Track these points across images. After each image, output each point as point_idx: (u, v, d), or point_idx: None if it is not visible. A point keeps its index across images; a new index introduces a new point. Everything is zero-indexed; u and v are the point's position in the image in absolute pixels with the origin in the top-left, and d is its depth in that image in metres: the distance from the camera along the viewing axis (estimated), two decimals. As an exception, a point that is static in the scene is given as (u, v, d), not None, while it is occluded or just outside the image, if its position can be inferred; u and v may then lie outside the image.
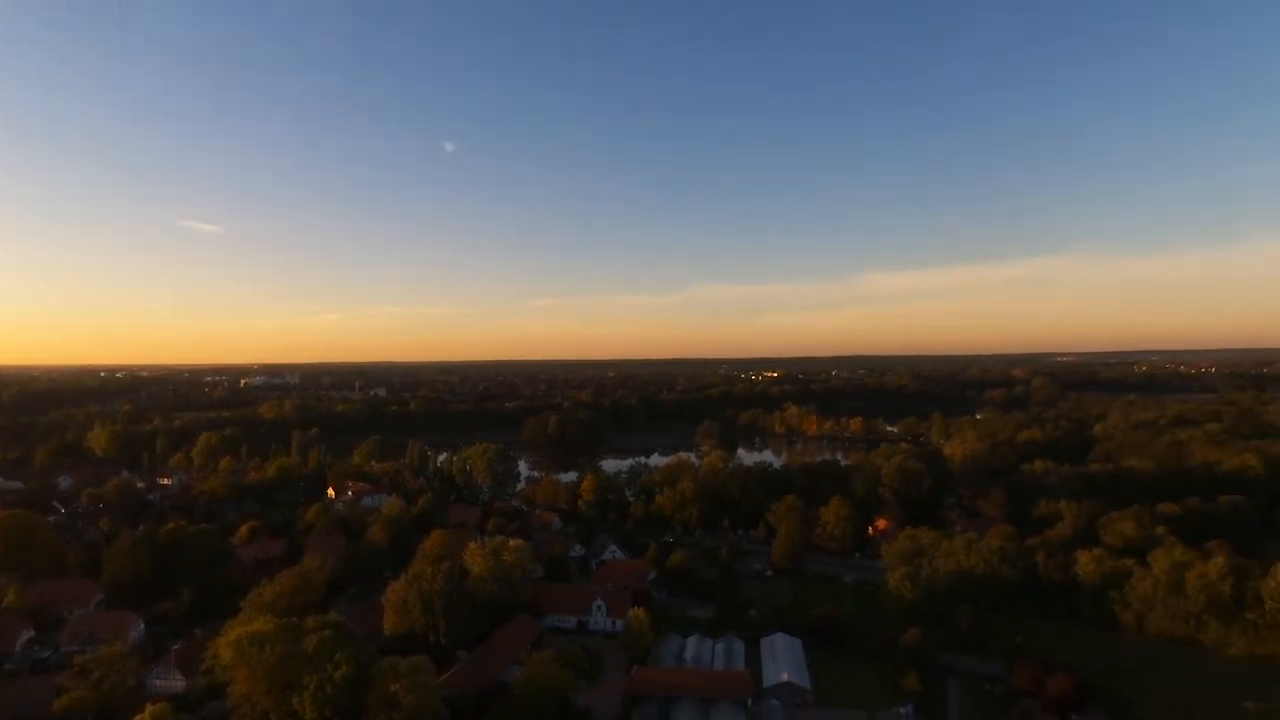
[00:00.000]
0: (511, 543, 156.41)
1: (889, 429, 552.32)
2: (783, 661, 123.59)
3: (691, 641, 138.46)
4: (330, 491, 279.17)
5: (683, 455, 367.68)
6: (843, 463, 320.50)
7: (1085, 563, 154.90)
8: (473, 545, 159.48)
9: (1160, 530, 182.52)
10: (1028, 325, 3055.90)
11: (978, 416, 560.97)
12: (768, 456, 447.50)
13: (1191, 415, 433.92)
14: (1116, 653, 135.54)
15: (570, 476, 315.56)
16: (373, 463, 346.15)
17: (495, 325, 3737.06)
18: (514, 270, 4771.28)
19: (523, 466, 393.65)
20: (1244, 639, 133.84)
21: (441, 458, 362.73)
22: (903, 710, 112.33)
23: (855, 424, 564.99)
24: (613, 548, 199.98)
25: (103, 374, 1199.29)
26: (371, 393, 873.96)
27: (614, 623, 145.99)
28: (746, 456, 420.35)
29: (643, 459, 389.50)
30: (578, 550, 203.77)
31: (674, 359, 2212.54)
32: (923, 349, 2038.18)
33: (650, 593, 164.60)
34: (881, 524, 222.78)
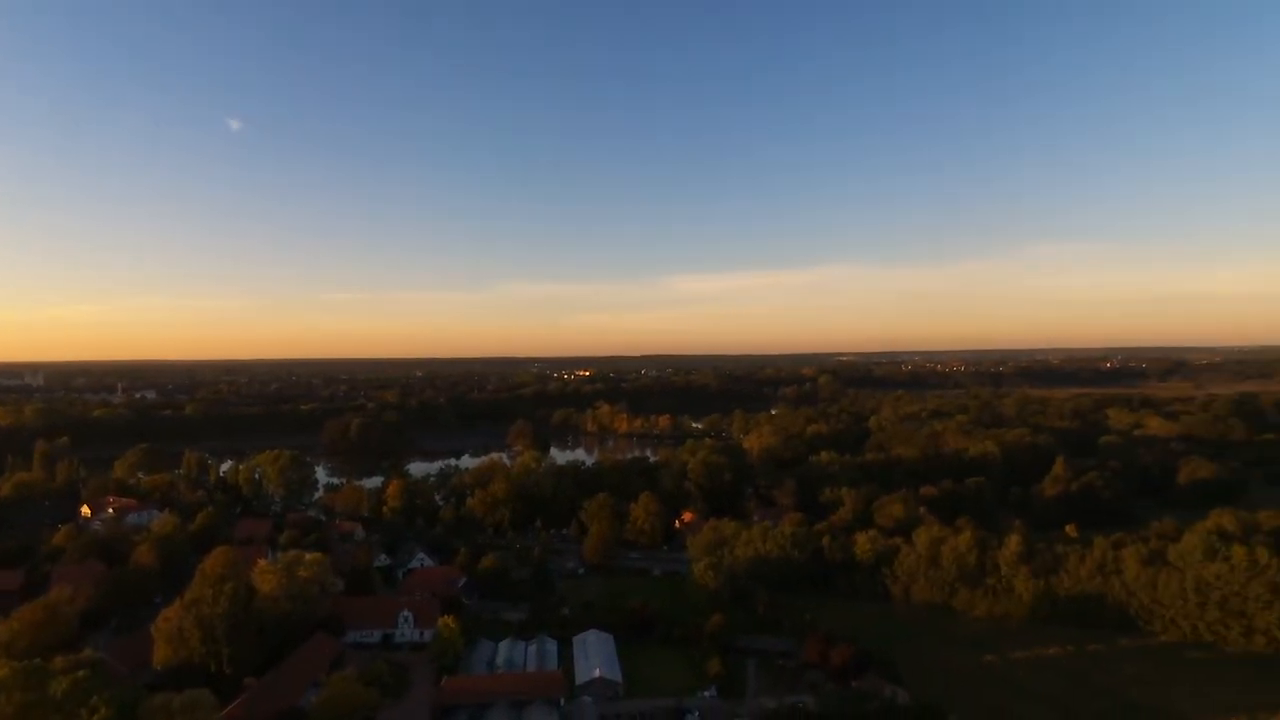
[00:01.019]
0: (308, 556, 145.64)
1: (695, 425, 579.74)
2: (595, 657, 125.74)
3: (504, 645, 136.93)
4: (85, 510, 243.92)
5: (495, 456, 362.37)
6: (652, 459, 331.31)
7: (862, 543, 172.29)
8: (263, 562, 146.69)
9: (922, 510, 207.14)
10: (815, 327, 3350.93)
11: (773, 412, 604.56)
12: (580, 455, 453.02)
13: (945, 408, 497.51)
14: (889, 621, 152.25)
15: (375, 482, 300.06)
16: (139, 475, 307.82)
17: (287, 320, 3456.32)
18: (309, 261, 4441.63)
19: (321, 473, 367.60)
20: (985, 601, 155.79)
21: (225, 467, 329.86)
22: (707, 694, 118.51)
23: (664, 421, 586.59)
24: (421, 555, 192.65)
25: None
26: (138, 395, 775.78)
27: (422, 633, 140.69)
28: (559, 455, 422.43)
29: (453, 461, 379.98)
30: (383, 559, 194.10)
31: (485, 358, 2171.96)
32: (725, 349, 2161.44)
33: (460, 599, 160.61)
34: (688, 517, 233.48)
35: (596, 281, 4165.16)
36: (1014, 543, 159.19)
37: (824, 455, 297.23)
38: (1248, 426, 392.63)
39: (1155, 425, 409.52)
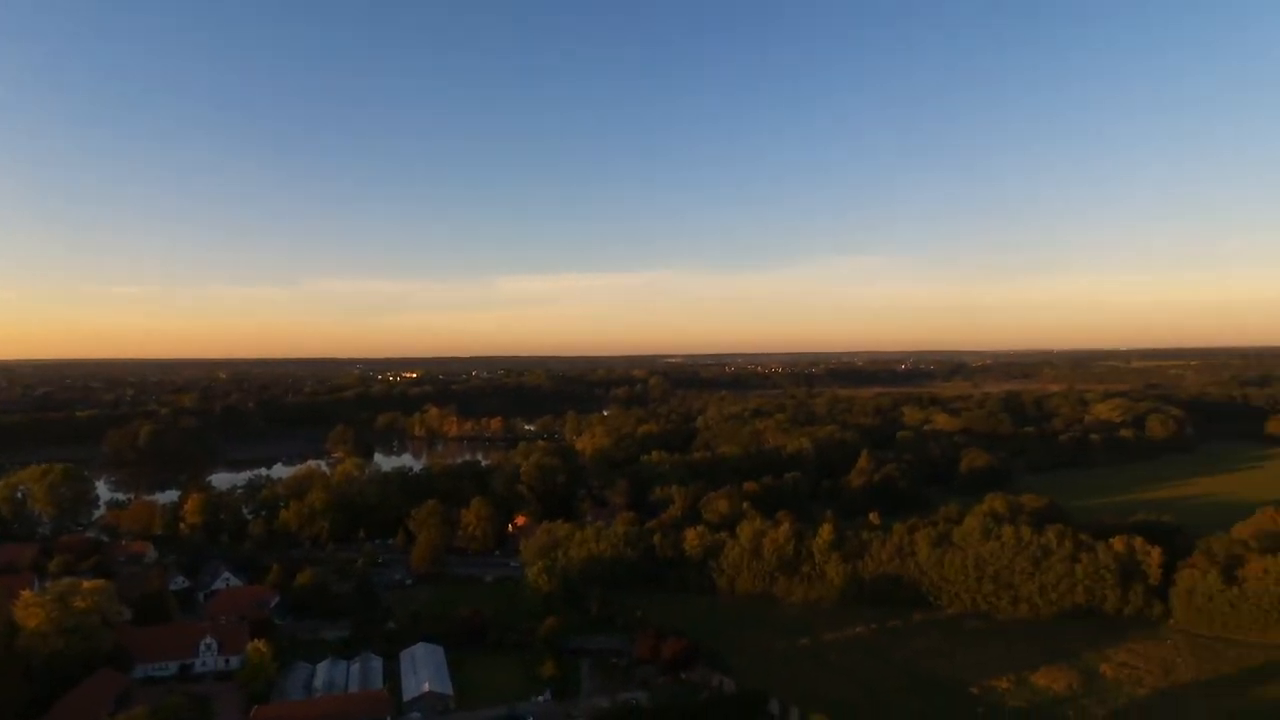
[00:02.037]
0: (86, 584, 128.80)
1: (527, 428, 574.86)
2: (424, 671, 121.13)
3: (323, 667, 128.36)
4: None
5: (312, 464, 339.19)
6: (483, 463, 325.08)
7: (691, 539, 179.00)
8: (27, 593, 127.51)
9: (745, 505, 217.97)
10: (645, 329, 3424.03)
11: (605, 413, 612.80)
12: (407, 460, 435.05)
13: (766, 408, 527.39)
14: (716, 613, 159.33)
15: (171, 496, 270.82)
16: None
17: (60, 315, 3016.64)
18: (87, 248, 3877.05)
19: (103, 489, 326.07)
20: (801, 588, 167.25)
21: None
22: (541, 698, 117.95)
23: (495, 424, 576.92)
24: (227, 574, 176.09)
25: None
26: None
27: (228, 660, 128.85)
28: (384, 461, 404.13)
29: (264, 470, 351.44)
30: (181, 582, 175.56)
31: (300, 358, 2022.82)
32: (557, 350, 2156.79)
33: (273, 620, 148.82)
34: (521, 520, 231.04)
35: (423, 280, 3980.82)
36: (826, 532, 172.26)
37: (655, 455, 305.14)
38: (1013, 421, 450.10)
39: (941, 421, 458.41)
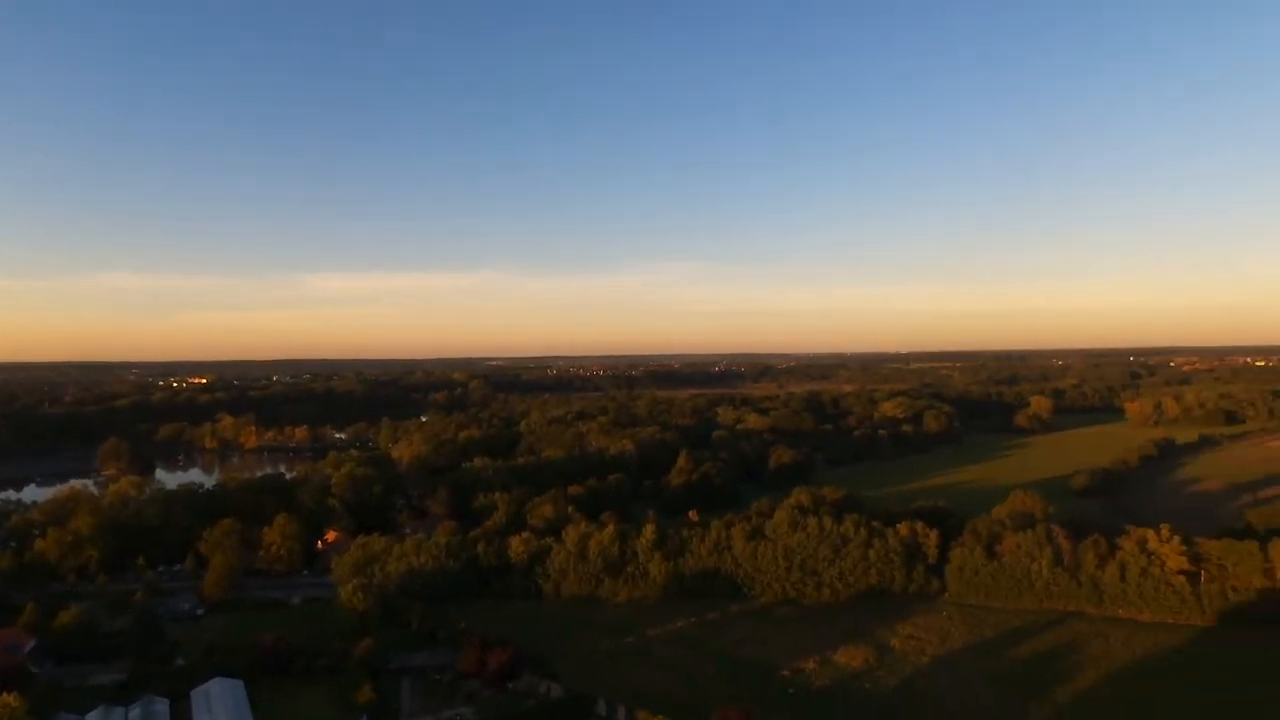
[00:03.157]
0: None
1: (338, 436, 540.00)
2: (220, 710, 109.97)
3: (93, 717, 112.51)
4: None
5: (76, 484, 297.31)
6: (288, 475, 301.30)
7: (516, 545, 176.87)
8: None
9: (570, 509, 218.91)
10: (464, 331, 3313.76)
11: (423, 419, 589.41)
12: (196, 475, 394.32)
13: (589, 410, 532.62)
14: (542, 619, 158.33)
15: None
16: None
17: None
18: None
19: None
20: (626, 588, 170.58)
21: None
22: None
23: (301, 433, 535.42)
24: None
25: None
26: None
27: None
28: (169, 478, 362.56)
29: (13, 494, 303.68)
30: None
31: (59, 362, 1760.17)
32: (370, 353, 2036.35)
33: (28, 667, 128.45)
34: (332, 536, 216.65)
35: (216, 275, 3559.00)
36: (649, 532, 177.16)
37: (477, 461, 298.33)
38: (814, 418, 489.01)
39: (752, 420, 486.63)
